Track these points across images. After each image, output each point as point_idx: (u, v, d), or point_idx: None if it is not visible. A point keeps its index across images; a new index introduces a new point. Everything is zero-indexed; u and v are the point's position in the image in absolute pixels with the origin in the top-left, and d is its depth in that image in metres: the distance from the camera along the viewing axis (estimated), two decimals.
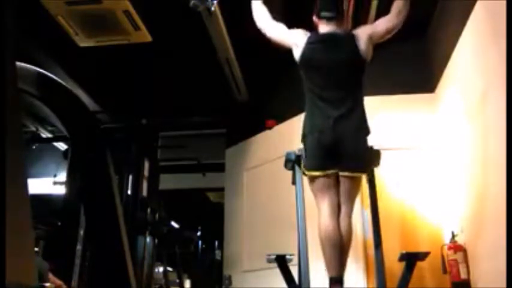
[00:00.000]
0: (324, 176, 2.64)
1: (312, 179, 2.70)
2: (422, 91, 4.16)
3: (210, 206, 7.57)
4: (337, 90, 2.70)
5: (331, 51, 2.76)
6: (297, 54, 2.80)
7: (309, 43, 2.77)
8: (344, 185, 2.67)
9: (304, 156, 2.72)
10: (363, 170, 2.71)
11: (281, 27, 2.90)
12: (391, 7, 2.84)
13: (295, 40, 2.81)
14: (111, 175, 1.28)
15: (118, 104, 5.51)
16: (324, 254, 2.58)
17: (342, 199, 2.67)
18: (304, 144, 2.73)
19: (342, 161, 2.63)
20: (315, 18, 2.89)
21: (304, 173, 2.74)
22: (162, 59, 4.75)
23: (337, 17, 2.85)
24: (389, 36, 2.83)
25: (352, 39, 2.76)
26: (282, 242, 4.01)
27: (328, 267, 2.56)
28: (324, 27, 2.85)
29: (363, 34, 2.77)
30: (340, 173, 2.65)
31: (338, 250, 2.55)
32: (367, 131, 2.71)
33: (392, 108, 4.09)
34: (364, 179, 2.86)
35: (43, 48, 4.40)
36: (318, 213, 2.67)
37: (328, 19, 2.83)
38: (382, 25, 2.81)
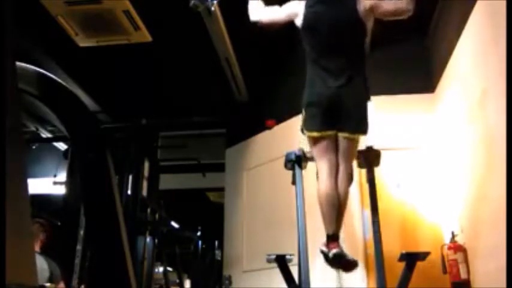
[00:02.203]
0: (323, 136, 2.70)
1: (312, 140, 2.75)
2: (422, 91, 4.16)
3: (210, 206, 7.57)
4: (339, 56, 2.72)
5: (330, 10, 2.76)
6: (299, 22, 2.83)
7: (308, 7, 2.80)
8: (343, 145, 2.72)
9: (303, 117, 2.77)
10: (361, 131, 2.74)
11: (276, 7, 2.94)
12: None
13: (294, 10, 2.84)
14: (111, 175, 1.28)
15: (118, 104, 5.51)
16: (322, 212, 2.66)
17: (340, 159, 2.73)
18: (305, 106, 2.77)
19: (341, 122, 2.69)
20: None
21: (303, 132, 2.80)
22: (162, 59, 4.75)
23: None
24: (390, 18, 2.80)
25: (352, 1, 2.74)
26: (282, 242, 4.01)
27: (326, 225, 2.65)
28: None
29: (366, 1, 2.74)
30: (340, 134, 2.70)
31: (336, 209, 2.64)
32: (367, 96, 2.76)
33: (392, 108, 4.09)
34: (364, 178, 2.86)
35: (43, 48, 4.40)
36: (318, 173, 2.74)
37: None
38: (387, 4, 2.76)
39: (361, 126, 2.72)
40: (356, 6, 2.72)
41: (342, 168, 2.73)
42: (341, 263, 2.61)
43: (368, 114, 2.74)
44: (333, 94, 2.66)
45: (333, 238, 2.61)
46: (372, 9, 2.73)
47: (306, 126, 2.76)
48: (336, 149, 2.73)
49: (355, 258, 2.67)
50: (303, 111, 2.79)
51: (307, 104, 2.77)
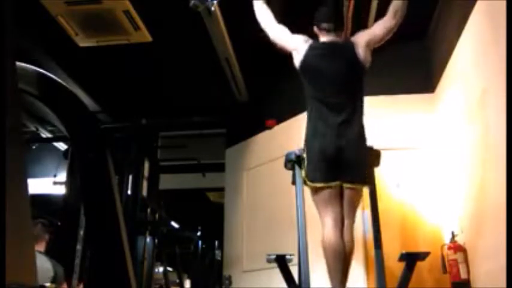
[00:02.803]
0: (327, 187, 2.62)
1: (315, 191, 2.67)
2: (422, 91, 4.16)
3: (210, 206, 7.57)
4: (338, 98, 2.72)
5: (331, 60, 2.78)
6: (297, 60, 2.82)
7: (310, 51, 2.79)
8: (348, 196, 2.65)
9: (306, 166, 2.70)
10: (366, 182, 2.71)
11: (283, 30, 2.90)
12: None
13: (296, 46, 2.83)
14: (111, 175, 1.28)
15: (118, 104, 5.51)
16: (328, 265, 2.56)
17: (346, 211, 2.66)
18: (307, 154, 2.71)
19: (346, 173, 2.63)
20: (315, 28, 2.89)
21: (305, 183, 2.72)
22: (162, 59, 4.75)
23: (337, 27, 2.86)
24: (387, 37, 2.84)
25: (351, 48, 2.77)
26: (282, 242, 4.01)
27: (332, 279, 2.56)
28: (324, 37, 2.87)
29: (362, 41, 2.78)
30: (344, 185, 2.63)
31: (341, 262, 2.55)
32: (365, 139, 2.72)
33: (392, 108, 4.09)
34: None
35: (43, 48, 4.40)
36: (322, 225, 2.64)
37: (328, 30, 2.84)
38: (380, 28, 2.82)
39: (366, 176, 2.69)
40: (356, 53, 2.74)
41: (347, 220, 2.65)
42: None
43: (368, 161, 2.72)
44: (336, 134, 2.61)
45: None
46: (369, 43, 2.77)
47: (309, 177, 2.68)
48: (340, 198, 2.65)
49: None
50: (305, 162, 2.71)
51: (309, 145, 2.70)
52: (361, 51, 2.75)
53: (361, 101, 2.77)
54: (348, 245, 2.61)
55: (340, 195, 2.65)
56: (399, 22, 2.78)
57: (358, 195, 2.70)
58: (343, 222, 2.64)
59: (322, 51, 2.82)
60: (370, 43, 2.79)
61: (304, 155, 2.73)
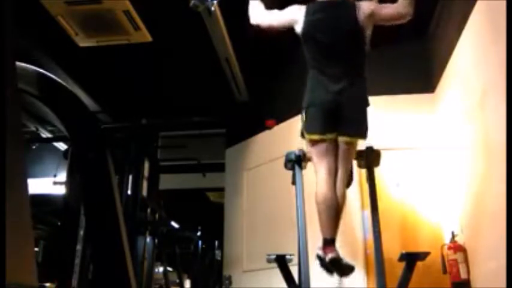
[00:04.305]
0: (323, 139, 2.69)
1: (312, 143, 2.74)
2: (422, 91, 4.16)
3: (210, 206, 7.57)
4: (338, 63, 2.72)
5: (330, 19, 2.75)
6: (298, 29, 2.80)
7: (308, 14, 2.77)
8: (342, 149, 2.72)
9: (304, 119, 2.76)
10: (361, 135, 2.74)
11: (275, 11, 2.91)
12: None
13: (293, 16, 2.81)
14: (111, 175, 1.28)
15: (118, 104, 5.51)
16: (320, 216, 2.64)
17: (340, 162, 2.73)
18: (305, 107, 2.75)
19: (342, 126, 2.68)
20: None
21: (303, 136, 2.78)
22: (162, 59, 4.75)
23: None
24: (390, 23, 2.79)
25: (352, 8, 2.73)
26: (282, 242, 4.01)
27: (323, 228, 2.64)
28: None
29: (366, 7, 2.73)
30: (340, 138, 2.69)
31: (334, 212, 2.63)
32: (366, 102, 2.74)
33: (392, 108, 4.09)
34: (364, 178, 2.86)
35: (43, 48, 4.40)
36: (316, 176, 2.71)
37: None
38: (388, 10, 2.75)
39: (361, 130, 2.72)
40: (356, 14, 2.70)
41: (340, 171, 2.73)
42: (337, 267, 2.59)
43: (368, 119, 2.73)
44: (334, 98, 2.66)
45: (330, 242, 2.60)
46: (372, 15, 2.72)
47: (307, 129, 2.74)
48: (335, 152, 2.72)
49: (352, 262, 2.65)
50: (303, 115, 2.77)
51: (307, 107, 2.75)
52: (362, 15, 2.70)
53: (362, 67, 2.77)
54: (340, 197, 2.69)
55: (336, 149, 2.71)
56: (406, 15, 2.72)
57: (352, 148, 2.75)
58: (337, 176, 2.71)
59: (321, 11, 2.77)
60: (374, 15, 2.72)
61: (303, 109, 2.77)
